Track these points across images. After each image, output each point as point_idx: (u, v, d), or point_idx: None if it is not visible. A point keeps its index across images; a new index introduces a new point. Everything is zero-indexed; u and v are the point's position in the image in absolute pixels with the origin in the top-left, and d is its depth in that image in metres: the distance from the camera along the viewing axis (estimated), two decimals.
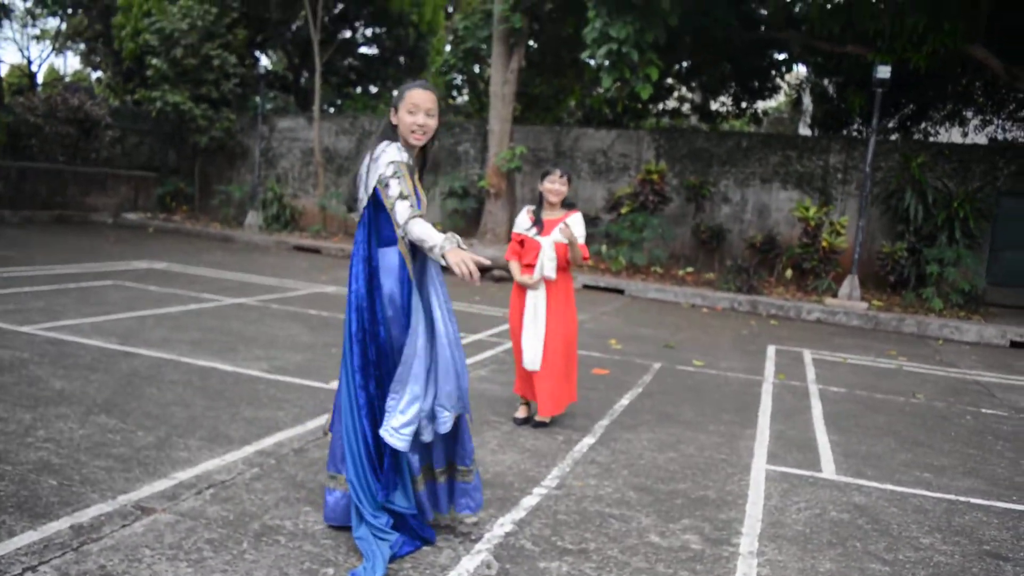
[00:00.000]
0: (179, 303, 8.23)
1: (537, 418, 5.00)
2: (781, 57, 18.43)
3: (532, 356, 4.84)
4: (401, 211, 2.93)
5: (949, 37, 12.55)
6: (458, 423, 3.19)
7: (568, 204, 5.11)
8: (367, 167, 3.09)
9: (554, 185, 4.89)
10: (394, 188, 2.95)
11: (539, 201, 5.03)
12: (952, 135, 19.16)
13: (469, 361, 6.64)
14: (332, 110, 22.21)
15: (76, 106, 17.85)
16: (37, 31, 27.70)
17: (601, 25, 11.95)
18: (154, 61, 17.68)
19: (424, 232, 2.91)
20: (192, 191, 19.99)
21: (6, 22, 23.91)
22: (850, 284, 12.57)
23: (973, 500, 4.27)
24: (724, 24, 15.10)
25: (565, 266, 4.99)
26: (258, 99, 18.74)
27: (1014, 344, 10.67)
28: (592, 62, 12.68)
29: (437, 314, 3.10)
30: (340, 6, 21.37)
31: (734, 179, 15.74)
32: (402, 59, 22.99)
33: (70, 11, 23.67)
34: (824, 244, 13.18)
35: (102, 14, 21.88)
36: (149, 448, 3.94)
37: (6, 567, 2.67)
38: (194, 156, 19.66)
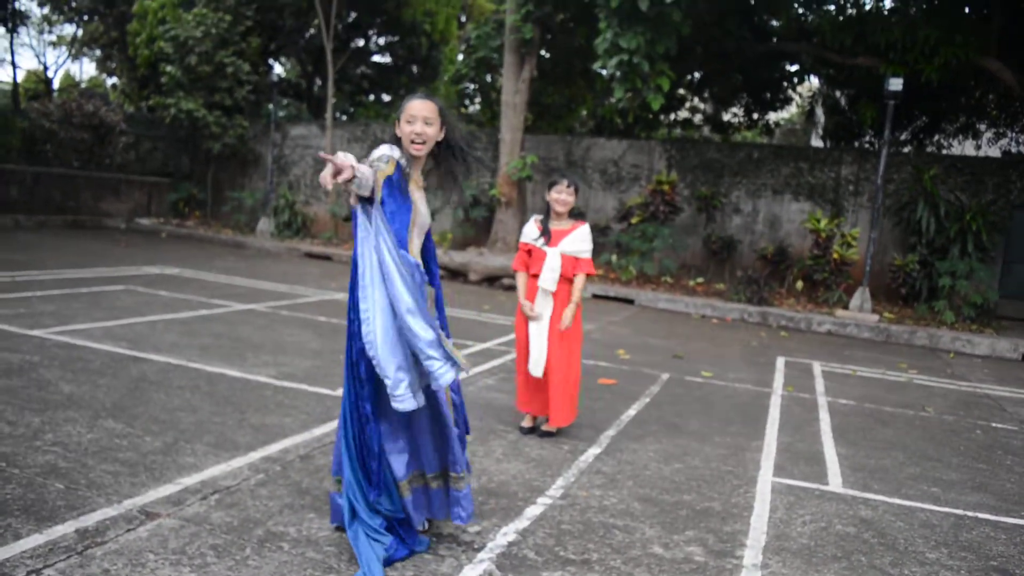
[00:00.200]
0: (189, 308, 8.27)
1: (544, 428, 5.00)
2: (793, 69, 18.42)
3: (536, 359, 4.85)
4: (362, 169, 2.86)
5: (961, 49, 12.51)
6: (443, 429, 3.13)
7: (576, 215, 5.12)
8: None
9: (561, 195, 4.88)
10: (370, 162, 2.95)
11: (547, 211, 5.02)
12: (965, 148, 19.08)
13: (476, 370, 6.66)
14: (345, 118, 22.35)
15: (91, 112, 18.01)
16: (54, 37, 28.05)
17: (612, 36, 11.97)
18: (168, 68, 17.83)
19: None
20: (205, 197, 20.12)
21: (22, 28, 24.22)
22: (861, 296, 12.51)
23: (981, 515, 4.23)
24: (736, 36, 15.11)
25: (572, 277, 4.98)
26: (271, 106, 18.87)
27: None
28: (604, 72, 12.70)
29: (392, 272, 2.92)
30: (353, 15, 21.51)
31: (745, 190, 15.72)
32: (415, 68, 23.11)
33: (86, 18, 23.93)
34: (835, 256, 13.13)
35: (118, 21, 22.11)
36: (156, 453, 3.96)
37: (10, 570, 2.69)
38: (207, 162, 19.79)
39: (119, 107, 20.93)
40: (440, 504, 3.24)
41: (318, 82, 23.37)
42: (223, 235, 17.36)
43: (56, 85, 28.59)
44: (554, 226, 4.97)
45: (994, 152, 18.30)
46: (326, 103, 19.06)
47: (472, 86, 20.50)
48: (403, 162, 3.08)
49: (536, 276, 4.92)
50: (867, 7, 15.30)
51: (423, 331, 2.89)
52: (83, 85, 29.69)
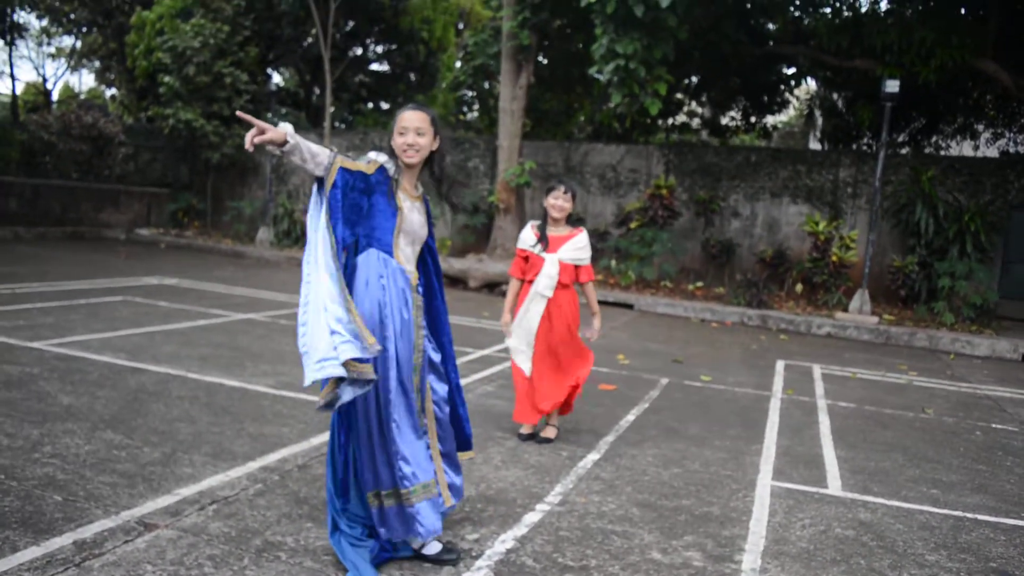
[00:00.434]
0: (188, 319, 8.28)
1: (542, 435, 5.00)
2: (790, 72, 18.46)
3: (524, 363, 4.92)
4: (311, 146, 2.87)
5: (958, 51, 12.54)
6: (389, 445, 3.04)
7: (574, 221, 5.12)
8: None
9: (557, 201, 4.89)
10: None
11: (544, 217, 5.03)
12: (963, 149, 19.11)
13: (475, 377, 6.66)
14: (343, 126, 22.38)
15: (90, 123, 18.06)
16: (52, 49, 28.08)
17: (608, 42, 11.99)
18: (166, 79, 17.86)
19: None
20: (204, 207, 20.15)
21: (21, 41, 24.30)
22: (861, 298, 12.51)
23: (981, 516, 4.23)
24: (732, 40, 15.15)
25: (569, 283, 4.99)
26: (270, 116, 18.90)
27: None
28: (600, 78, 12.72)
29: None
30: (351, 23, 21.57)
31: (744, 194, 15.73)
32: (412, 76, 23.16)
33: (85, 30, 24.01)
34: (834, 258, 13.13)
35: (116, 32, 22.18)
36: (154, 464, 3.96)
37: None
38: (206, 172, 19.82)
39: (118, 118, 21.02)
40: (398, 522, 3.07)
41: (316, 91, 23.42)
42: (222, 245, 17.38)
43: (55, 97, 28.69)
44: (552, 232, 4.98)
45: (992, 152, 18.34)
46: (324, 112, 19.10)
47: (470, 93, 20.59)
48: (390, 167, 3.09)
49: (532, 282, 4.93)
50: (863, 9, 15.35)
51: (333, 306, 2.80)
52: (82, 97, 29.77)
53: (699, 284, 14.70)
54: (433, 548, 3.17)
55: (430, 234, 3.33)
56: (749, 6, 15.12)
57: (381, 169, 3.06)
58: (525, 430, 5.03)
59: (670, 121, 20.67)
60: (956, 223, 13.28)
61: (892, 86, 12.13)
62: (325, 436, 4.63)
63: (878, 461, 5.14)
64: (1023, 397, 7.99)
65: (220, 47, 17.98)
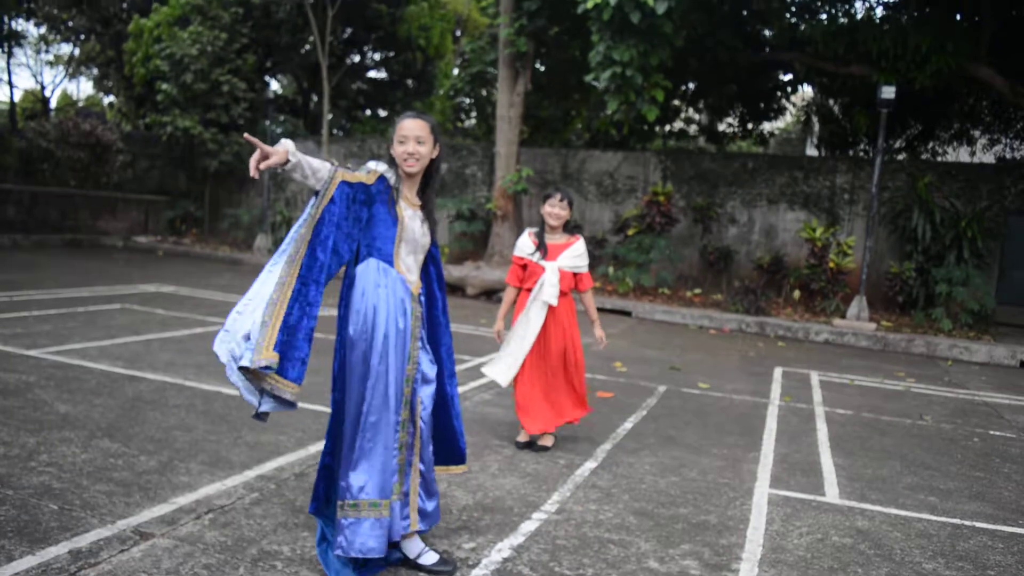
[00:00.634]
0: (185, 327, 8.27)
1: (539, 443, 5.00)
2: (786, 78, 18.51)
3: (505, 371, 4.87)
4: (312, 161, 2.90)
5: (952, 57, 12.58)
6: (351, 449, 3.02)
7: (571, 229, 5.13)
8: None
9: (554, 209, 4.89)
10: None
11: (542, 224, 5.04)
12: (960, 155, 19.15)
13: (472, 385, 6.65)
14: (341, 133, 22.39)
15: (88, 131, 18.06)
16: (50, 57, 28.10)
17: (605, 48, 12.03)
18: (164, 86, 17.89)
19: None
20: (202, 215, 20.15)
21: (19, 48, 24.32)
22: (858, 305, 12.52)
23: (979, 524, 4.23)
24: (729, 46, 15.19)
25: (567, 291, 5.00)
26: (267, 123, 18.93)
27: None
28: (598, 85, 12.75)
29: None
30: (349, 31, 21.61)
31: (741, 200, 15.76)
32: (410, 83, 23.18)
33: (83, 37, 24.01)
34: (831, 265, 13.14)
35: (114, 40, 22.20)
36: (150, 472, 3.96)
37: None
38: (204, 180, 19.83)
39: (116, 126, 21.01)
40: (351, 535, 2.96)
41: (314, 98, 23.44)
42: (220, 252, 17.38)
43: (53, 104, 28.68)
44: (549, 240, 4.99)
45: (988, 158, 18.38)
46: (322, 119, 19.13)
47: (467, 100, 20.59)
48: (390, 177, 3.09)
49: (529, 291, 4.93)
50: (858, 16, 15.39)
51: (260, 314, 2.79)
52: (80, 104, 29.78)
53: (697, 291, 14.70)
54: (430, 558, 3.17)
55: (433, 242, 3.29)
56: (745, 13, 15.18)
57: (381, 179, 3.05)
58: (522, 438, 5.03)
59: (667, 128, 20.70)
60: (953, 229, 13.30)
61: (888, 92, 12.17)
62: (322, 444, 4.61)
63: (876, 468, 5.14)
64: (1021, 403, 8.00)
65: (218, 55, 18.01)
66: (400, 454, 3.05)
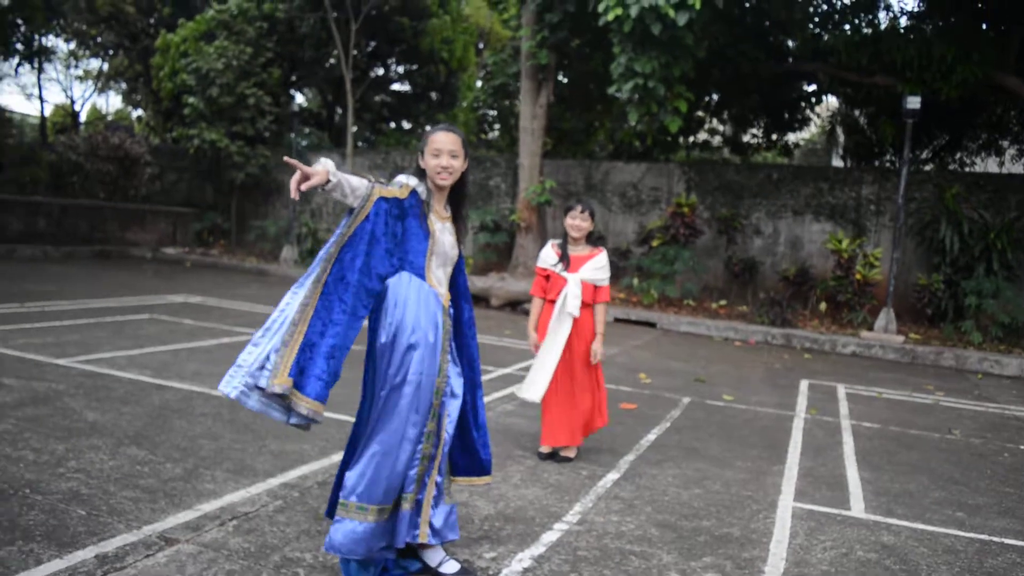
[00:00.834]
0: (212, 337, 8.36)
1: (562, 453, 4.99)
2: (810, 89, 18.39)
3: (536, 387, 4.84)
4: (351, 179, 2.93)
5: (979, 66, 12.44)
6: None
7: (595, 240, 5.13)
8: None
9: (576, 221, 4.91)
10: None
11: (565, 236, 5.05)
12: (988, 165, 18.90)
13: (496, 395, 6.66)
14: (365, 146, 22.59)
15: (116, 144, 18.38)
16: (80, 72, 28.64)
17: (626, 60, 12.04)
18: (191, 100, 18.17)
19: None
20: (229, 226, 20.39)
21: (49, 64, 24.81)
22: (886, 317, 12.37)
23: (1008, 541, 4.15)
24: (751, 57, 15.14)
25: (590, 302, 4.99)
26: (293, 136, 19.14)
27: None
28: (620, 96, 12.75)
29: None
30: (372, 44, 21.83)
31: (766, 211, 15.66)
32: (434, 95, 23.38)
33: (111, 52, 24.48)
34: (858, 276, 13.01)
35: (142, 55, 22.61)
36: (176, 480, 4.00)
37: None
38: (231, 192, 20.08)
39: (144, 139, 21.36)
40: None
41: (339, 111, 23.69)
42: (247, 263, 17.56)
43: (83, 118, 29.22)
44: (572, 252, 4.99)
45: (1017, 169, 18.12)
46: (347, 132, 19.31)
47: (491, 112, 20.68)
48: (421, 191, 3.10)
49: (553, 302, 4.94)
50: (882, 26, 15.29)
51: (279, 337, 2.86)
52: (109, 118, 30.30)
53: (722, 302, 14.62)
54: (451, 567, 3.17)
55: (459, 255, 3.31)
56: (767, 23, 15.14)
57: (413, 193, 3.06)
58: (545, 449, 5.02)
59: (691, 139, 20.65)
60: (982, 240, 13.11)
61: (913, 103, 12.05)
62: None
63: (903, 483, 5.07)
64: None
65: (243, 69, 18.26)
66: (421, 465, 3.04)
